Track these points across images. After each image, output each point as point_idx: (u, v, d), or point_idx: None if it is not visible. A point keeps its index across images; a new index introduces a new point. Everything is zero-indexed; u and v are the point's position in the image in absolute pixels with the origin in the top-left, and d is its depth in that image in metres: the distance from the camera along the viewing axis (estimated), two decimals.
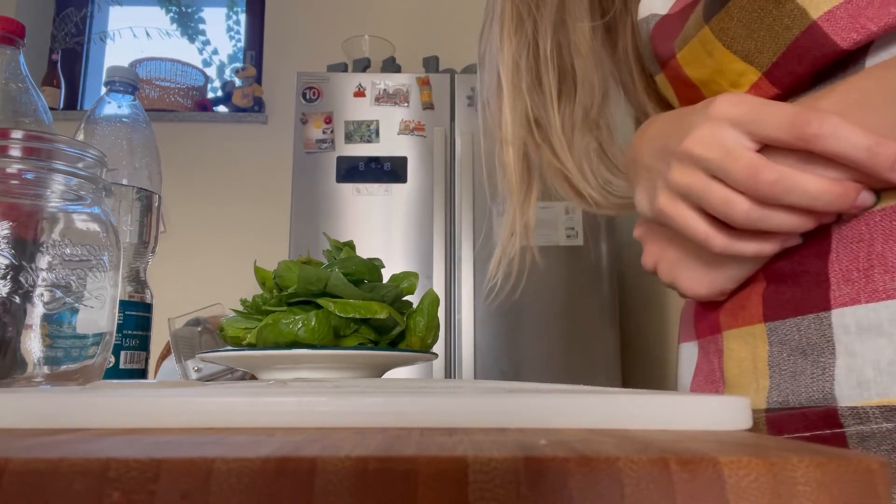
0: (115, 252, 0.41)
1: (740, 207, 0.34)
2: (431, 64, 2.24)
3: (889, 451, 0.33)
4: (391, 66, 2.24)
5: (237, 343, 0.63)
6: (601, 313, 1.82)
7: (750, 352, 0.40)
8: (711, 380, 0.43)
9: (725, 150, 0.34)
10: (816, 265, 0.36)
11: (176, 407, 0.19)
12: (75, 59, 2.67)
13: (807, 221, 0.35)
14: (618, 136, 0.59)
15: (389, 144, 1.91)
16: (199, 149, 2.49)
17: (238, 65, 2.67)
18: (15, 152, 0.37)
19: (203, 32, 2.72)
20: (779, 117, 0.33)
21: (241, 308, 0.65)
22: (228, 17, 2.71)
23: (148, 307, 0.68)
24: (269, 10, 2.65)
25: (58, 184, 0.38)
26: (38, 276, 0.36)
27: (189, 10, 2.68)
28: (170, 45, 2.70)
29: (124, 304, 0.64)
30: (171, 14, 2.68)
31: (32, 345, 0.36)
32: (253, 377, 0.67)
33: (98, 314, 0.39)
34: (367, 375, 0.61)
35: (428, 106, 1.93)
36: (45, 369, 0.36)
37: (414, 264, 1.81)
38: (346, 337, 0.61)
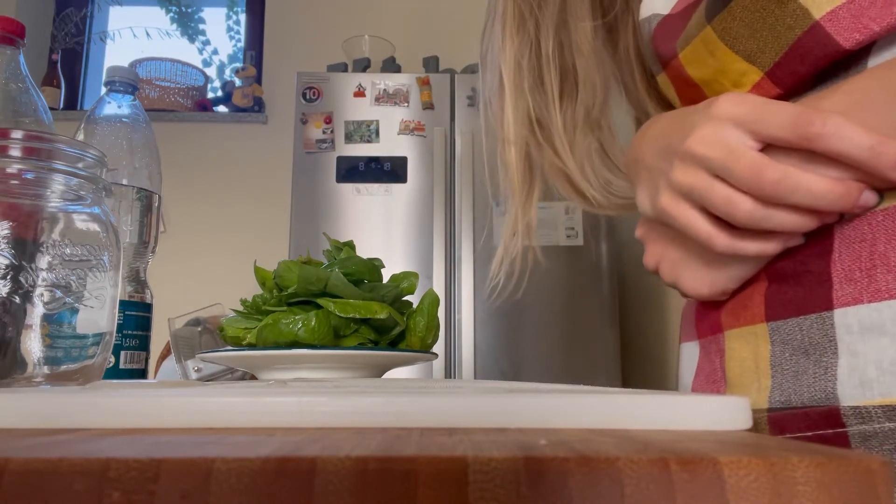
0: (115, 252, 0.41)
1: (743, 207, 0.34)
2: (431, 64, 2.24)
3: (891, 450, 0.33)
4: (391, 66, 2.24)
5: (237, 343, 0.63)
6: (601, 313, 1.82)
7: (752, 351, 0.40)
8: (713, 379, 0.43)
9: (728, 150, 0.34)
10: (819, 265, 0.36)
11: (176, 407, 0.19)
12: (75, 59, 2.67)
13: (809, 221, 0.35)
14: (619, 136, 0.59)
15: (389, 144, 1.91)
16: (199, 149, 2.49)
17: (238, 65, 2.67)
18: (15, 152, 0.37)
19: (203, 32, 2.72)
20: (781, 116, 0.33)
21: (241, 308, 0.65)
22: (228, 17, 2.71)
23: (148, 307, 0.68)
24: (269, 10, 2.65)
25: (58, 184, 0.38)
26: (38, 276, 0.36)
27: (189, 10, 2.68)
28: (170, 45, 2.70)
29: (124, 304, 0.64)
30: (171, 14, 2.68)
31: (32, 345, 0.36)
32: (253, 377, 0.67)
33: (98, 314, 0.39)
34: (367, 375, 0.61)
35: (428, 106, 1.93)
36: (45, 369, 0.36)
37: (414, 264, 1.81)
38: (346, 337, 0.61)
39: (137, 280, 0.68)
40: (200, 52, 2.73)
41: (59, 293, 0.37)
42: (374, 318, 0.61)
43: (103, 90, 0.71)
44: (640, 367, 2.13)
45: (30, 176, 0.38)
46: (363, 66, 2.20)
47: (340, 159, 1.89)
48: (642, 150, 0.43)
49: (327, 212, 1.86)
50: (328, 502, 0.13)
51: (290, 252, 1.85)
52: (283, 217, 1.96)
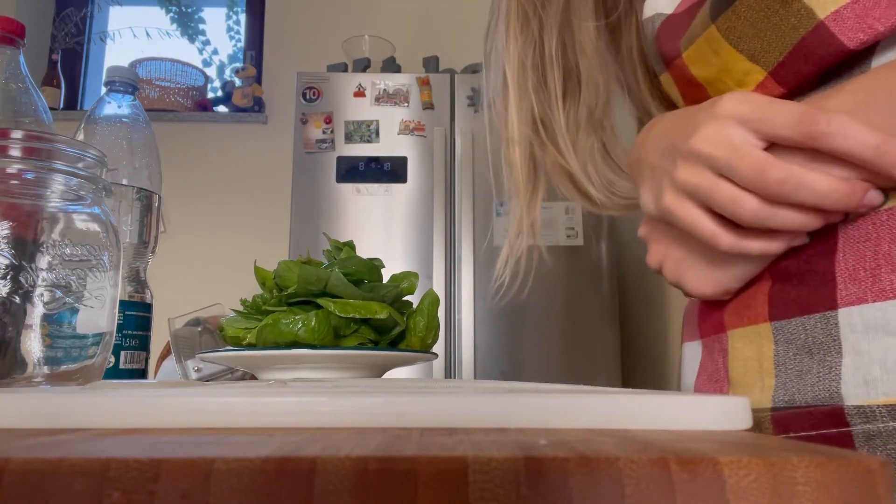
0: (115, 252, 0.41)
1: (748, 206, 0.34)
2: (431, 64, 2.24)
3: (895, 449, 0.33)
4: (391, 66, 2.24)
5: (237, 343, 0.63)
6: (601, 313, 1.82)
7: (755, 351, 0.40)
8: (716, 379, 0.43)
9: (732, 149, 0.34)
10: (823, 264, 0.36)
11: (176, 407, 0.19)
12: (75, 59, 2.67)
13: (814, 220, 0.35)
14: (621, 136, 0.59)
15: (389, 144, 1.91)
16: (199, 149, 2.49)
17: (238, 65, 2.67)
18: (15, 152, 0.37)
19: (203, 32, 2.72)
20: (786, 115, 0.33)
21: (241, 308, 0.65)
22: (228, 17, 2.71)
23: (148, 307, 0.68)
24: (269, 10, 2.65)
25: (58, 184, 0.38)
26: (38, 276, 0.36)
27: (189, 10, 2.68)
28: (170, 45, 2.70)
29: (124, 304, 0.64)
30: (171, 14, 2.68)
31: (32, 345, 0.36)
32: (253, 377, 0.67)
33: (98, 314, 0.39)
34: (367, 375, 0.61)
35: (428, 106, 1.93)
36: (45, 369, 0.36)
37: (414, 264, 1.81)
38: (346, 337, 0.61)
39: (137, 280, 0.68)
40: (200, 52, 2.73)
41: (59, 293, 0.37)
42: (374, 318, 0.61)
43: (103, 90, 0.71)
44: (640, 367, 2.13)
45: (30, 176, 0.38)
46: (363, 66, 2.20)
47: (340, 159, 1.89)
48: (645, 150, 0.43)
49: (327, 212, 1.86)
50: (328, 502, 0.13)
51: (290, 252, 1.85)
52: (283, 217, 1.96)
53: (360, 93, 1.94)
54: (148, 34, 2.72)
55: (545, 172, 0.58)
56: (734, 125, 0.35)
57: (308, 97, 1.93)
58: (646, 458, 0.13)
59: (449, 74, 1.98)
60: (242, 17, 2.72)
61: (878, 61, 0.35)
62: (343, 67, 2.21)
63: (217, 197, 2.45)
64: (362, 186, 1.88)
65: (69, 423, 0.19)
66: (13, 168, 0.37)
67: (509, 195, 0.59)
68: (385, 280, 0.67)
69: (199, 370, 0.73)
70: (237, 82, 2.55)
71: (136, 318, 0.66)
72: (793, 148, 0.34)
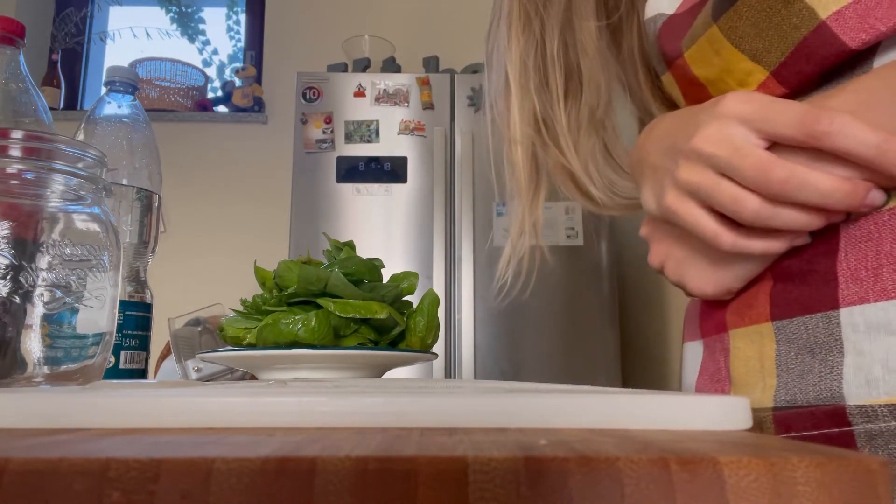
0: (115, 252, 0.41)
1: (750, 205, 0.34)
2: (431, 64, 2.24)
3: None
4: (391, 66, 2.24)
5: (237, 343, 0.63)
6: (601, 313, 1.82)
7: (757, 351, 0.40)
8: (717, 379, 0.43)
9: (734, 148, 0.34)
10: (825, 264, 0.37)
11: (176, 407, 0.19)
12: (75, 59, 2.67)
13: (816, 219, 0.35)
14: (622, 137, 0.59)
15: (389, 144, 1.91)
16: (199, 149, 2.49)
17: (238, 65, 2.67)
18: (15, 152, 0.37)
19: (203, 32, 2.72)
20: (788, 115, 0.33)
21: (241, 308, 0.65)
22: (228, 17, 2.71)
23: (148, 307, 0.68)
24: (269, 10, 2.65)
25: (58, 184, 0.38)
26: (38, 276, 0.36)
27: (189, 10, 2.68)
28: (170, 45, 2.70)
29: (124, 304, 0.64)
30: (171, 14, 2.68)
31: (32, 345, 0.36)
32: (253, 377, 0.67)
33: (98, 314, 0.39)
34: (367, 375, 0.61)
35: (428, 106, 1.93)
36: (45, 369, 0.36)
37: (414, 264, 1.81)
38: (346, 337, 0.61)
39: (137, 280, 0.68)
40: (200, 52, 2.73)
41: (59, 293, 0.37)
42: (374, 318, 0.61)
43: (103, 90, 0.71)
44: (640, 367, 2.13)
45: (30, 176, 0.38)
46: (363, 66, 2.20)
47: (340, 159, 1.89)
48: (647, 150, 0.43)
49: (327, 212, 1.86)
50: (328, 502, 0.13)
51: (290, 252, 1.85)
52: (283, 217, 1.96)
53: (360, 93, 1.94)
54: (148, 34, 2.72)
55: (547, 172, 0.58)
56: (736, 125, 0.35)
57: (308, 97, 1.93)
58: (646, 458, 0.13)
59: (449, 74, 1.98)
60: (242, 17, 2.72)
61: (880, 61, 0.35)
62: (343, 67, 2.21)
63: (217, 197, 2.45)
64: (362, 186, 1.88)
65: (69, 423, 0.19)
66: (13, 168, 0.37)
67: (511, 195, 0.59)
68: (385, 280, 0.67)
69: (199, 370, 0.73)
70: (237, 82, 2.55)
71: (136, 318, 0.66)
72: (795, 148, 0.34)
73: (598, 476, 0.13)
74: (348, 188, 1.87)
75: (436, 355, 0.64)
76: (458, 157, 1.88)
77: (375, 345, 0.63)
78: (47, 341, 0.36)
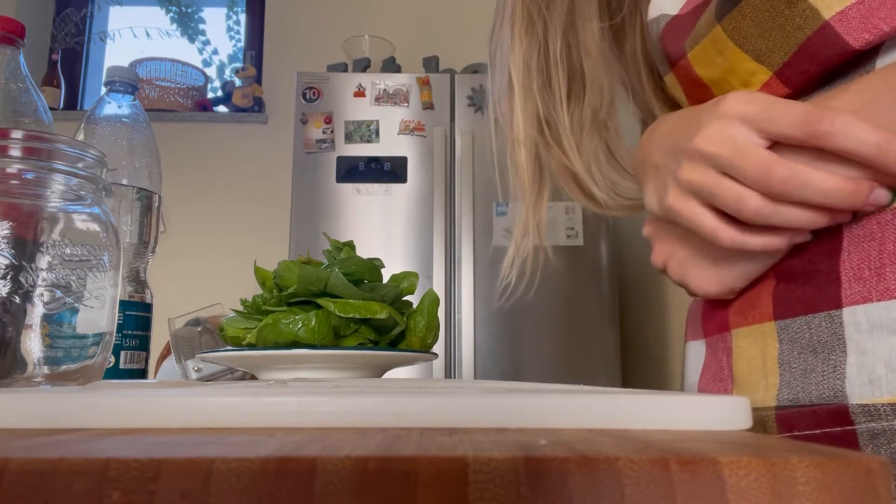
0: (115, 252, 0.41)
1: (752, 203, 0.34)
2: (431, 64, 2.24)
3: None
4: (391, 66, 2.24)
5: (237, 343, 0.63)
6: (601, 313, 1.82)
7: (760, 350, 0.40)
8: (720, 378, 0.43)
9: (736, 148, 0.34)
10: (827, 264, 0.37)
11: (176, 407, 0.19)
12: (75, 59, 2.67)
13: (819, 218, 0.35)
14: (625, 138, 0.59)
15: (389, 144, 1.91)
16: (199, 149, 2.49)
17: (238, 65, 2.67)
18: (15, 152, 0.37)
19: (203, 32, 2.72)
20: (790, 114, 0.33)
21: (241, 308, 0.65)
22: (228, 17, 2.71)
23: (148, 307, 0.68)
24: (269, 10, 2.65)
25: (58, 184, 0.38)
26: (38, 276, 0.36)
27: (189, 10, 2.68)
28: (170, 45, 2.70)
29: (124, 304, 0.64)
30: (171, 14, 2.68)
31: (32, 345, 0.36)
32: (253, 377, 0.67)
33: (98, 314, 0.39)
34: (367, 375, 0.61)
35: (428, 106, 1.93)
36: (45, 369, 0.36)
37: (414, 264, 1.81)
38: (346, 337, 0.61)
39: (137, 280, 0.68)
40: (200, 52, 2.73)
41: (59, 293, 0.37)
42: (374, 318, 0.61)
43: (103, 90, 0.71)
44: (640, 367, 2.13)
45: (30, 176, 0.38)
46: (363, 66, 2.20)
47: (340, 159, 1.89)
48: (650, 150, 0.43)
49: (327, 212, 1.86)
50: (328, 502, 0.13)
51: (290, 252, 1.85)
52: (283, 217, 1.96)
53: (360, 93, 1.94)
54: (148, 34, 2.72)
55: (550, 173, 0.58)
56: (738, 124, 0.35)
57: (308, 97, 1.93)
58: (646, 458, 0.13)
59: (449, 74, 1.98)
60: (242, 17, 2.72)
61: (883, 61, 0.35)
62: (343, 67, 2.21)
63: (217, 197, 2.45)
64: (362, 186, 1.88)
65: (69, 423, 0.19)
66: (13, 168, 0.37)
67: (515, 196, 0.59)
68: (385, 280, 0.67)
69: (199, 370, 0.73)
70: (237, 82, 2.55)
71: (136, 318, 0.66)
72: (797, 147, 0.34)
73: (598, 476, 0.13)
74: (348, 188, 1.87)
75: (436, 355, 0.64)
76: (458, 157, 1.88)
77: (375, 345, 0.63)
78: (47, 341, 0.36)
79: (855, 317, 0.35)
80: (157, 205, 0.70)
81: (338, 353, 0.57)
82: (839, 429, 0.35)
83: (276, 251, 1.90)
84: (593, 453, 0.13)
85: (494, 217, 1.85)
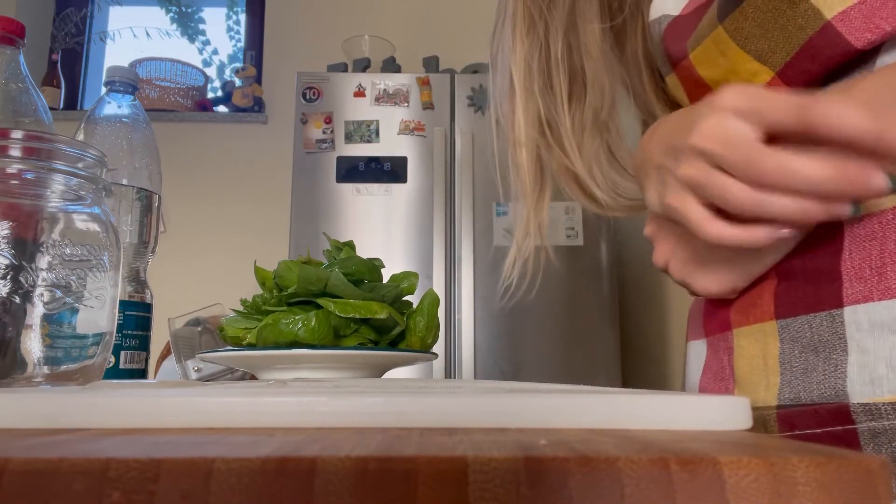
0: (115, 252, 0.41)
1: (736, 192, 0.34)
2: (431, 64, 2.24)
3: None
4: (391, 66, 2.24)
5: (237, 343, 0.63)
6: (601, 313, 1.82)
7: (761, 349, 0.40)
8: (721, 377, 0.43)
9: (726, 140, 0.34)
10: (829, 263, 0.37)
11: (176, 407, 0.19)
12: (75, 59, 2.67)
13: (811, 208, 0.34)
14: (626, 139, 0.59)
15: (389, 144, 1.91)
16: (199, 149, 2.49)
17: (238, 65, 2.67)
18: (15, 152, 0.37)
19: (203, 32, 2.72)
20: (784, 103, 0.33)
21: (241, 308, 0.65)
22: (228, 17, 2.71)
23: (148, 307, 0.68)
24: (269, 10, 2.65)
25: (58, 184, 0.38)
26: (38, 276, 0.36)
27: (189, 10, 2.68)
28: (170, 45, 2.70)
29: (124, 304, 0.64)
30: (171, 14, 2.68)
31: (32, 345, 0.36)
32: (253, 377, 0.67)
33: (98, 314, 0.39)
34: (367, 375, 0.61)
35: (428, 106, 1.93)
36: (45, 369, 0.36)
37: (414, 264, 1.81)
38: (346, 337, 0.61)
39: (137, 280, 0.68)
40: (200, 52, 2.73)
41: (59, 293, 0.37)
42: (374, 318, 0.61)
43: (103, 90, 0.71)
44: (640, 367, 2.13)
45: (30, 176, 0.38)
46: (363, 66, 2.20)
47: (340, 159, 1.89)
48: (650, 150, 0.43)
49: (327, 212, 1.86)
50: (328, 502, 0.13)
51: (290, 252, 1.85)
52: (283, 217, 1.96)
53: (360, 93, 1.94)
54: (148, 34, 2.72)
55: (551, 174, 0.58)
56: (732, 117, 0.35)
57: (308, 97, 1.93)
58: (646, 458, 0.13)
59: (449, 74, 1.98)
60: (242, 17, 2.72)
61: (883, 60, 0.35)
62: (343, 67, 2.21)
63: (217, 197, 2.45)
64: (362, 186, 1.88)
65: (69, 423, 0.19)
66: (13, 168, 0.37)
67: (516, 197, 0.59)
68: (385, 280, 0.67)
69: (199, 370, 0.73)
70: (237, 82, 2.55)
71: (136, 318, 0.66)
72: (805, 143, 0.33)
73: (598, 476, 0.13)
74: (348, 188, 1.87)
75: (436, 355, 0.64)
76: (458, 157, 1.88)
77: (375, 345, 0.63)
78: (47, 341, 0.36)
79: (856, 316, 0.35)
80: (157, 205, 0.70)
81: (338, 353, 0.57)
82: (840, 428, 0.35)
83: (276, 251, 1.90)
84: (593, 453, 0.13)
85: (494, 217, 1.85)
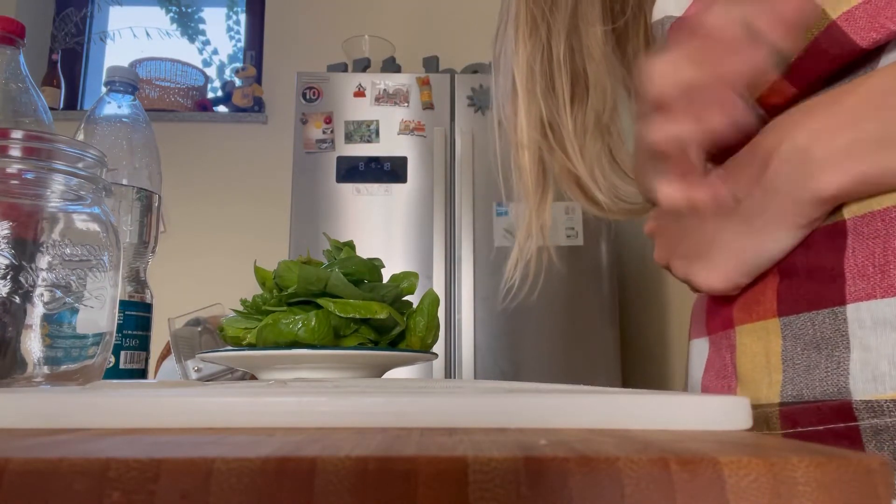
0: (115, 252, 0.41)
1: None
2: (431, 64, 2.25)
3: None
4: (391, 66, 2.24)
5: (237, 343, 0.63)
6: (601, 313, 1.82)
7: (763, 347, 0.40)
8: (723, 375, 0.43)
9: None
10: (831, 260, 0.37)
11: (176, 407, 0.19)
12: (75, 59, 2.67)
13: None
14: (627, 141, 0.60)
15: (389, 144, 1.91)
16: (199, 149, 2.49)
17: (238, 65, 2.67)
18: (15, 152, 0.37)
19: (203, 32, 2.72)
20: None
21: (241, 308, 0.65)
22: (228, 17, 2.71)
23: (148, 307, 0.68)
24: (269, 10, 2.65)
25: (58, 184, 0.38)
26: (38, 276, 0.36)
27: (189, 10, 2.68)
28: (170, 45, 2.70)
29: (124, 304, 0.64)
30: (171, 14, 2.68)
31: (32, 345, 0.36)
32: (253, 377, 0.67)
33: (98, 314, 0.39)
34: (367, 375, 0.61)
35: (428, 106, 1.93)
36: (45, 369, 0.36)
37: (414, 264, 1.81)
38: (346, 337, 0.61)
39: (137, 280, 0.68)
40: (200, 52, 2.73)
41: (59, 293, 0.37)
42: (374, 318, 0.61)
43: (103, 90, 0.71)
44: (640, 367, 2.13)
45: (30, 176, 0.38)
46: (363, 66, 2.20)
47: (340, 159, 1.89)
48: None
49: (327, 212, 1.86)
50: (328, 502, 0.13)
51: (290, 252, 1.85)
52: (283, 217, 1.96)
53: (360, 93, 1.94)
54: (148, 34, 2.72)
55: (553, 176, 0.59)
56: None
57: (308, 97, 1.93)
58: (646, 458, 0.13)
59: (449, 74, 1.98)
60: (242, 17, 2.73)
61: (887, 59, 0.35)
62: (343, 67, 2.21)
63: (217, 197, 2.45)
64: (362, 186, 1.88)
65: (69, 423, 0.19)
66: (13, 168, 0.37)
67: (518, 198, 0.59)
68: (385, 280, 0.67)
69: (199, 370, 0.73)
70: (237, 82, 2.55)
71: (136, 318, 0.66)
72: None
73: (598, 476, 0.13)
74: (348, 188, 1.87)
75: (436, 355, 0.65)
76: (458, 157, 1.88)
77: (375, 345, 0.63)
78: (47, 341, 0.36)
79: (859, 313, 0.35)
80: (157, 205, 0.70)
81: (338, 353, 0.57)
82: (842, 425, 0.35)
83: (276, 251, 1.90)
84: (593, 453, 0.14)
85: (494, 217, 1.85)
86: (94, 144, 0.48)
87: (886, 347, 0.34)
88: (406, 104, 1.93)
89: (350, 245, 0.69)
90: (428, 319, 0.65)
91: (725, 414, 0.19)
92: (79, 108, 2.61)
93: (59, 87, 2.52)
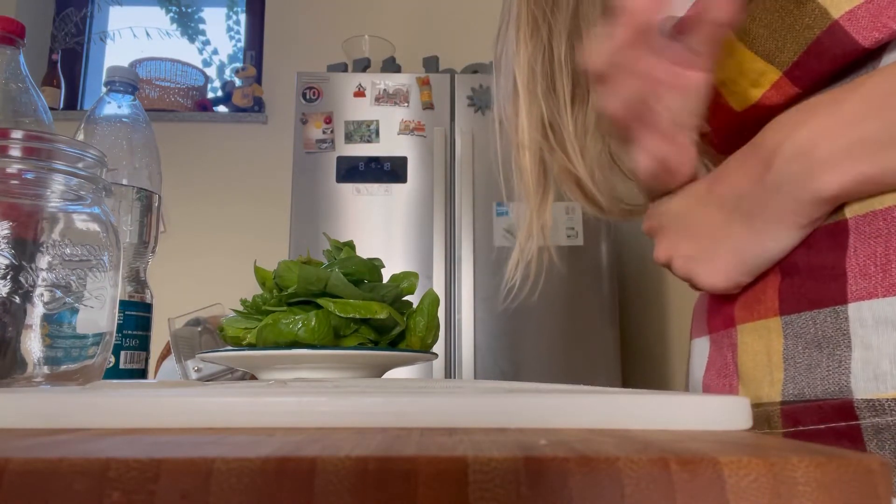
0: (115, 252, 0.41)
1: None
2: (431, 64, 2.25)
3: None
4: (391, 66, 2.24)
5: (237, 343, 0.63)
6: (601, 313, 1.82)
7: (764, 345, 0.40)
8: (725, 374, 0.44)
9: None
10: (833, 259, 0.37)
11: (176, 407, 0.19)
12: (75, 59, 2.67)
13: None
14: None
15: (389, 144, 1.91)
16: (199, 149, 2.49)
17: (238, 65, 2.67)
18: (15, 152, 0.37)
19: (203, 32, 2.72)
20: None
21: (241, 308, 0.65)
22: (228, 17, 2.71)
23: (148, 307, 0.68)
24: (269, 10, 2.65)
25: (58, 184, 0.38)
26: (38, 276, 0.36)
27: (189, 10, 2.68)
28: (170, 45, 2.70)
29: (124, 304, 0.64)
30: (171, 14, 2.68)
31: (32, 345, 0.36)
32: (253, 377, 0.67)
33: (98, 314, 0.39)
34: (367, 375, 0.61)
35: (428, 106, 1.93)
36: (45, 369, 0.36)
37: (414, 264, 1.81)
38: (346, 337, 0.61)
39: (137, 280, 0.68)
40: (200, 52, 2.73)
41: (59, 293, 0.37)
42: (374, 318, 0.61)
43: (103, 90, 0.71)
44: (640, 367, 2.13)
45: (30, 176, 0.38)
46: (363, 66, 2.20)
47: (340, 159, 1.89)
48: None
49: (327, 212, 1.86)
50: (328, 502, 0.13)
51: (290, 252, 1.85)
52: (283, 217, 1.96)
53: (360, 93, 1.94)
54: (148, 34, 2.72)
55: (554, 177, 0.59)
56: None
57: (308, 97, 1.93)
58: (646, 458, 0.13)
59: (449, 74, 1.98)
60: (242, 17, 2.73)
61: (889, 59, 0.36)
62: (343, 67, 2.21)
63: (217, 197, 2.45)
64: (362, 186, 1.88)
65: (69, 423, 0.19)
66: (13, 168, 0.37)
67: (519, 199, 0.59)
68: (385, 280, 0.67)
69: (199, 370, 0.73)
70: (237, 82, 2.55)
71: (136, 318, 0.66)
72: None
73: (598, 476, 0.13)
74: (348, 188, 1.87)
75: (436, 355, 0.65)
76: (458, 157, 1.88)
77: (375, 345, 0.63)
78: (47, 341, 0.36)
79: (860, 312, 0.35)
80: (157, 205, 0.70)
81: (338, 353, 0.57)
82: (844, 424, 0.36)
83: (276, 251, 1.90)
84: (593, 453, 0.14)
85: (494, 217, 1.85)
86: (94, 144, 0.48)
87: (888, 346, 0.34)
88: (406, 104, 1.93)
89: (350, 245, 0.69)
90: (428, 319, 0.65)
91: (725, 414, 0.19)
92: (79, 108, 2.62)
93: (59, 87, 2.52)
